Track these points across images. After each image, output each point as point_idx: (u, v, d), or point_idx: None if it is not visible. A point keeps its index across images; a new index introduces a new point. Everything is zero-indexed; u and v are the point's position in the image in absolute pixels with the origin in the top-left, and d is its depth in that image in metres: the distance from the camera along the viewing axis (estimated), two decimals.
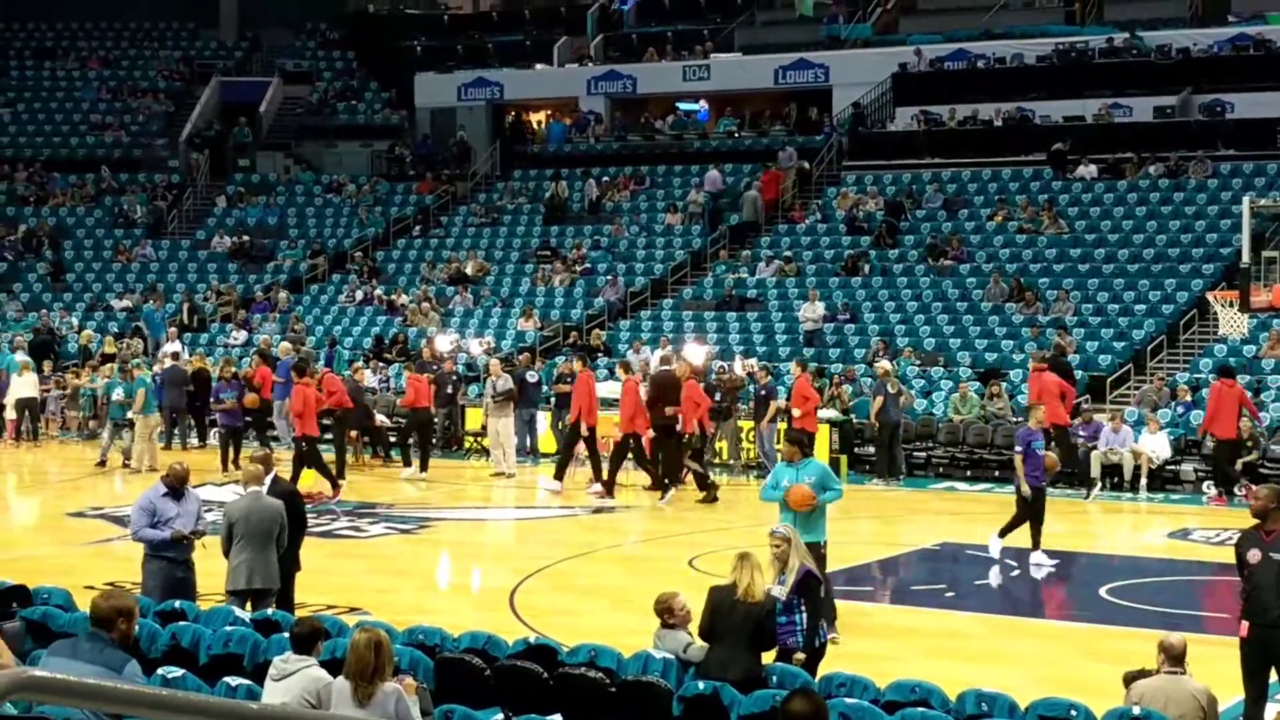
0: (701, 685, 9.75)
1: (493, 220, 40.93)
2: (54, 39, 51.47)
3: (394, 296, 37.09)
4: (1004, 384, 27.98)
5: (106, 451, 27.69)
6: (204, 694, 8.44)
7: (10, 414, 30.86)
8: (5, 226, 42.82)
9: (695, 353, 28.28)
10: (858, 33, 42.29)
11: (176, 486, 13.15)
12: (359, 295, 37.97)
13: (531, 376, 28.26)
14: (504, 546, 21.71)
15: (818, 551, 13.31)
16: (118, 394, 28.29)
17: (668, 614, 10.59)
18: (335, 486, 23.42)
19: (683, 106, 43.72)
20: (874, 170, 38.16)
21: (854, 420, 27.31)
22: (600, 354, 32.20)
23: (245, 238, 41.74)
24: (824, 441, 26.23)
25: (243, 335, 35.81)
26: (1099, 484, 24.85)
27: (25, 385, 30.68)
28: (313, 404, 23.54)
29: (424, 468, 26.10)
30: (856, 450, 27.11)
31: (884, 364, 27.32)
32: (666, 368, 26.05)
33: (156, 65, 50.13)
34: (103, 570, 16.38)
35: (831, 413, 26.93)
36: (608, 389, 28.72)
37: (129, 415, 27.31)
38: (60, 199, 44.30)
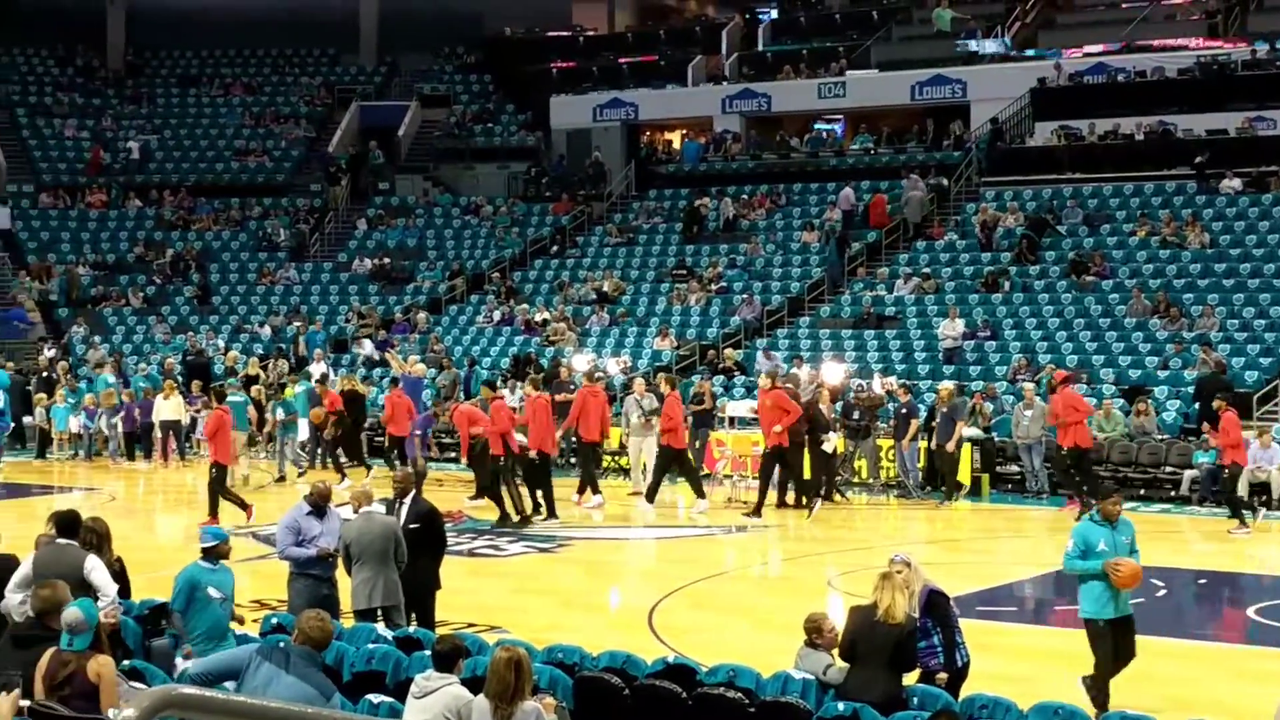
0: (841, 706, 9.67)
1: (628, 240, 41.06)
2: (198, 67, 52.47)
3: (533, 315, 37.30)
4: (1150, 400, 27.52)
5: (282, 468, 28.38)
6: (347, 712, 8.52)
7: (158, 435, 31.46)
8: (153, 251, 43.67)
9: (833, 371, 28.14)
10: (995, 48, 41.89)
11: (320, 505, 13.32)
12: (497, 315, 38.25)
13: None
14: (642, 566, 21.71)
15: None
16: (280, 413, 29.04)
17: (816, 634, 10.53)
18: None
19: (820, 127, 43.61)
20: (1013, 186, 37.77)
21: (995, 438, 27.01)
22: (736, 373, 32.19)
23: (385, 260, 42.24)
24: (965, 460, 26.00)
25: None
26: (1255, 509, 24.07)
27: (170, 408, 31.22)
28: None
29: (595, 489, 25.94)
30: (999, 469, 26.81)
31: (1027, 385, 27.04)
32: (789, 387, 25.97)
33: (298, 91, 50.95)
34: (249, 588, 16.58)
35: (973, 431, 26.65)
36: (747, 407, 28.69)
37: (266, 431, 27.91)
38: (206, 223, 45.12)
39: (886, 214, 38.32)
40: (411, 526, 13.62)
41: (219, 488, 23.01)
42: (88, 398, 32.41)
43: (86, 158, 47.73)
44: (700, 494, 24.58)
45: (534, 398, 24.49)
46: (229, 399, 28.66)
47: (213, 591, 11.54)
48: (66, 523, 11.70)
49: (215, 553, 11.95)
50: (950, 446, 24.93)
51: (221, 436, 23.24)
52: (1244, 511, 22.73)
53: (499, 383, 30.54)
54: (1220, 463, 23.48)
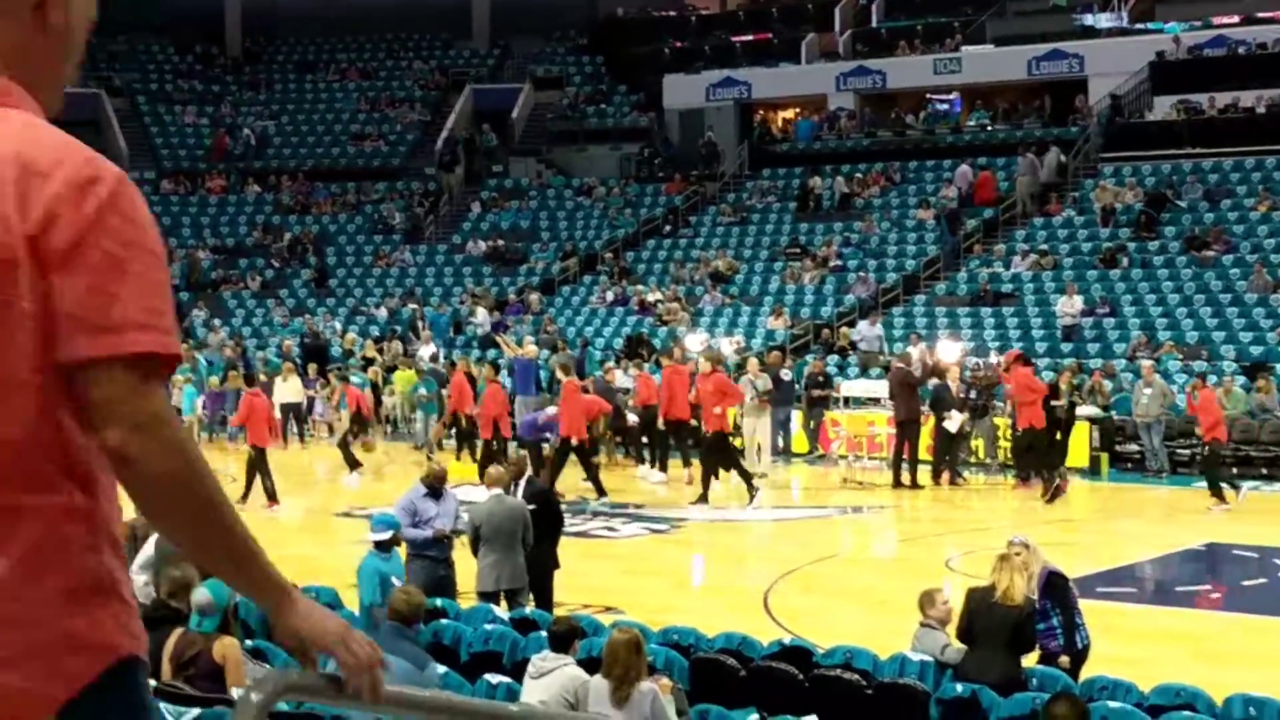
0: (960, 688, 9.63)
1: (741, 219, 40.98)
2: (314, 53, 52.97)
3: (646, 296, 37.35)
4: (1271, 377, 27.07)
5: (428, 444, 28.85)
6: (464, 694, 8.59)
7: (276, 416, 31.78)
8: (271, 235, 44.20)
9: (949, 349, 27.94)
10: (1112, 21, 41.35)
11: (436, 486, 13.43)
12: (610, 296, 38.33)
13: (785, 375, 28.17)
14: (757, 547, 21.69)
15: None
16: (422, 392, 29.81)
17: (929, 605, 10.50)
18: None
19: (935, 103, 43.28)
20: (1132, 161, 37.28)
21: (1114, 417, 26.69)
22: (850, 351, 32.10)
23: (499, 241, 42.47)
24: (1084, 439, 25.74)
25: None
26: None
27: (289, 390, 31.58)
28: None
29: (663, 467, 26.05)
30: (1118, 448, 26.50)
31: (1146, 362, 26.73)
32: (901, 365, 25.85)
33: (412, 76, 51.28)
34: None
35: (1092, 409, 26.36)
36: (862, 387, 28.63)
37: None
38: (323, 207, 45.59)
39: (995, 191, 37.97)
40: (528, 508, 13.70)
41: (259, 468, 22.82)
42: (212, 380, 32.80)
43: (206, 144, 48.39)
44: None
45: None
46: (351, 380, 29.07)
47: (395, 580, 11.69)
48: None
49: (391, 543, 12.11)
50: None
51: (255, 420, 23.25)
52: None
53: (613, 363, 30.59)
54: None
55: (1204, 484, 23.26)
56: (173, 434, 2.44)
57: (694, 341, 32.40)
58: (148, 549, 11.33)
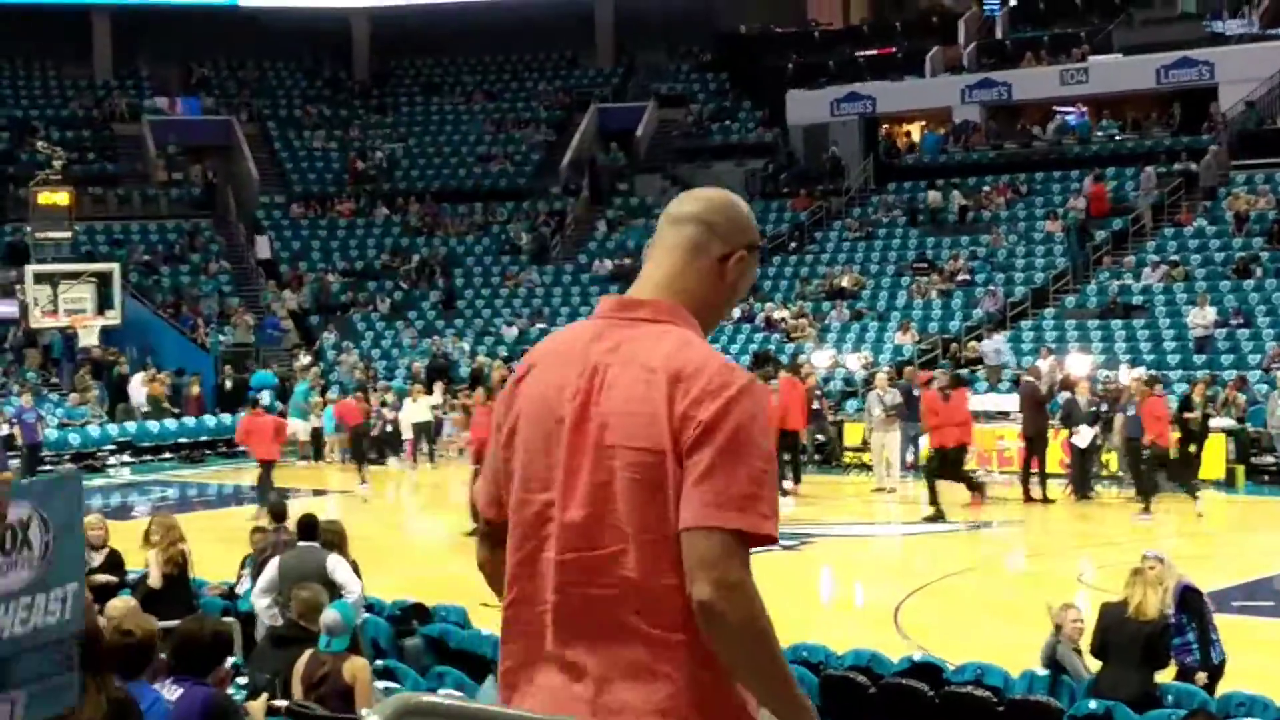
0: (1093, 704, 9.52)
1: (867, 234, 40.81)
2: (440, 76, 53.51)
3: (773, 312, 37.30)
4: None
5: None
6: None
7: (407, 435, 32.13)
8: (399, 257, 44.65)
9: (1079, 363, 27.65)
10: (1242, 27, 40.73)
11: None
12: (736, 313, 38.29)
13: (916, 391, 28.00)
14: (887, 562, 21.58)
15: None
16: None
17: (1061, 623, 10.45)
18: None
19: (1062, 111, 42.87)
20: (1265, 169, 36.67)
21: (1250, 429, 26.26)
22: (979, 366, 31.87)
23: (625, 260, 42.60)
24: (1219, 452, 25.36)
25: None
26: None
27: (419, 409, 31.90)
28: None
29: (796, 480, 25.96)
30: (1254, 460, 26.06)
31: None
32: (1030, 380, 25.64)
33: (537, 96, 51.64)
34: (479, 592, 16.86)
35: (1227, 421, 25.95)
36: (991, 402, 28.42)
37: None
38: (450, 229, 45.98)
39: (1107, 203, 37.56)
40: None
41: (263, 483, 23.77)
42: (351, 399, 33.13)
43: (335, 168, 49.01)
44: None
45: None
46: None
47: None
48: (306, 525, 12.07)
49: None
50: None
51: (257, 437, 24.50)
52: None
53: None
54: None
55: None
56: (752, 593, 3.08)
57: (821, 358, 32.39)
58: (270, 573, 11.50)
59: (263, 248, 43.83)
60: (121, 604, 8.63)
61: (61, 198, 37.19)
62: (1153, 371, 28.13)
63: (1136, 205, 37.36)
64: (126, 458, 32.59)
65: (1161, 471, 23.64)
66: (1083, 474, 24.77)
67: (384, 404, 33.02)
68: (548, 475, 3.10)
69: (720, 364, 3.05)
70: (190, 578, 12.84)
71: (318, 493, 27.78)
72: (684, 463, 2.98)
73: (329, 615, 8.99)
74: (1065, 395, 25.32)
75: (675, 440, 2.99)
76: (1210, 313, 31.32)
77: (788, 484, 25.27)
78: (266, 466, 24.26)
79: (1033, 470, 24.45)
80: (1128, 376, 27.74)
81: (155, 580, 12.53)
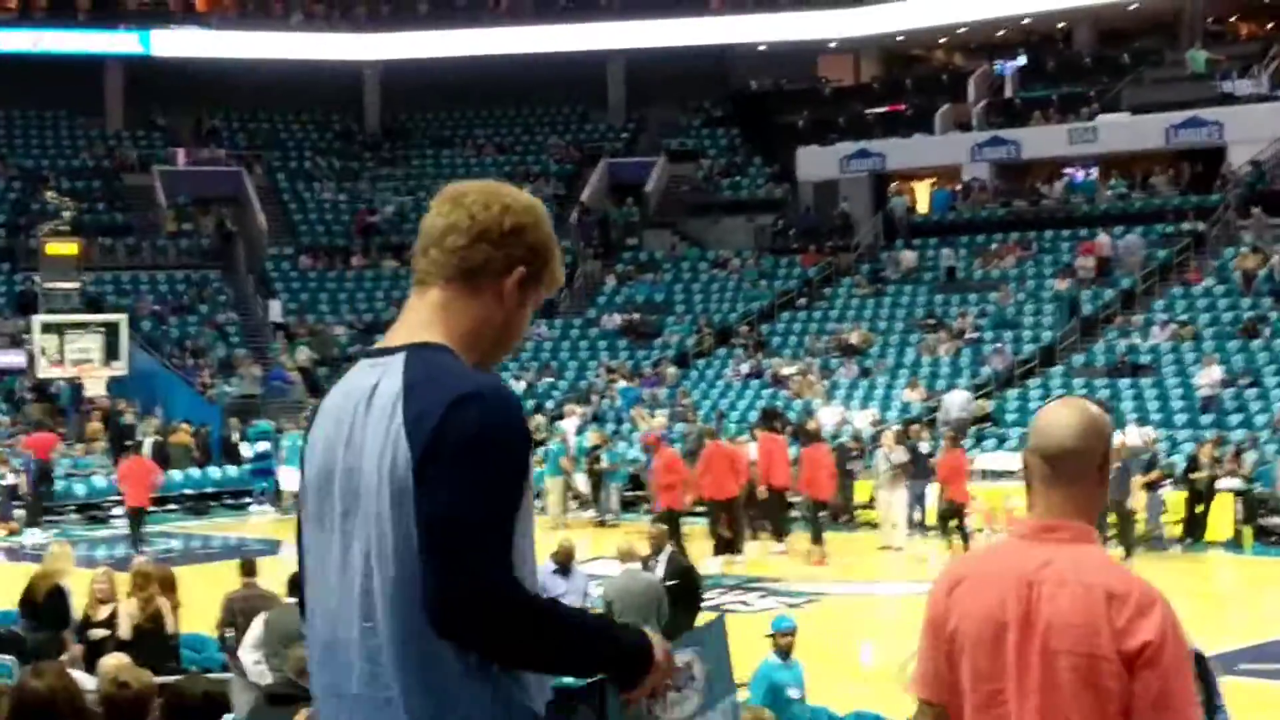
0: None
1: (876, 291, 40.81)
2: (451, 128, 53.68)
3: (782, 368, 37.24)
4: None
5: (606, 513, 29.63)
6: None
7: None
8: None
9: None
10: (1252, 88, 40.76)
11: (564, 563, 13.43)
12: (745, 369, 38.27)
13: (923, 448, 27.90)
14: (895, 621, 21.43)
15: None
16: (604, 461, 30.50)
17: None
18: None
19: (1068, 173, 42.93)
20: (1274, 229, 36.64)
21: (1257, 489, 26.14)
22: (987, 424, 31.81)
23: (634, 315, 42.61)
24: (1227, 512, 25.26)
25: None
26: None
27: None
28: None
29: (779, 537, 25.76)
30: (1261, 521, 25.93)
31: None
32: None
33: (548, 150, 51.77)
34: None
35: (1235, 482, 25.85)
36: (997, 460, 28.36)
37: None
38: None
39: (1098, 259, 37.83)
40: (669, 583, 13.62)
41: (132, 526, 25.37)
42: None
43: (345, 220, 49.09)
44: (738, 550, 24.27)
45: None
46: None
47: (793, 692, 11.35)
48: (296, 582, 11.94)
49: (786, 647, 11.66)
50: (1131, 503, 24.08)
51: (133, 481, 26.11)
52: None
53: (747, 436, 30.47)
54: None
55: None
56: None
57: (829, 415, 32.32)
58: (256, 628, 11.37)
59: (275, 311, 43.78)
60: (114, 659, 8.55)
61: (70, 248, 37.32)
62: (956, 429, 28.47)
63: (1132, 266, 37.33)
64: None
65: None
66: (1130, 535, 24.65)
67: None
68: (996, 672, 3.55)
69: (1141, 583, 3.58)
70: (168, 632, 12.64)
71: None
72: (1134, 674, 3.46)
73: None
74: None
75: (1118, 648, 3.46)
76: (1217, 372, 31.25)
77: (777, 545, 25.18)
78: (138, 512, 25.60)
79: None
80: (1135, 436, 27.68)
81: (125, 632, 12.30)
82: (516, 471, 2.86)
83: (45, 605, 13.14)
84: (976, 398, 33.42)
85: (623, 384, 37.85)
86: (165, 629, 12.63)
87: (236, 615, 12.26)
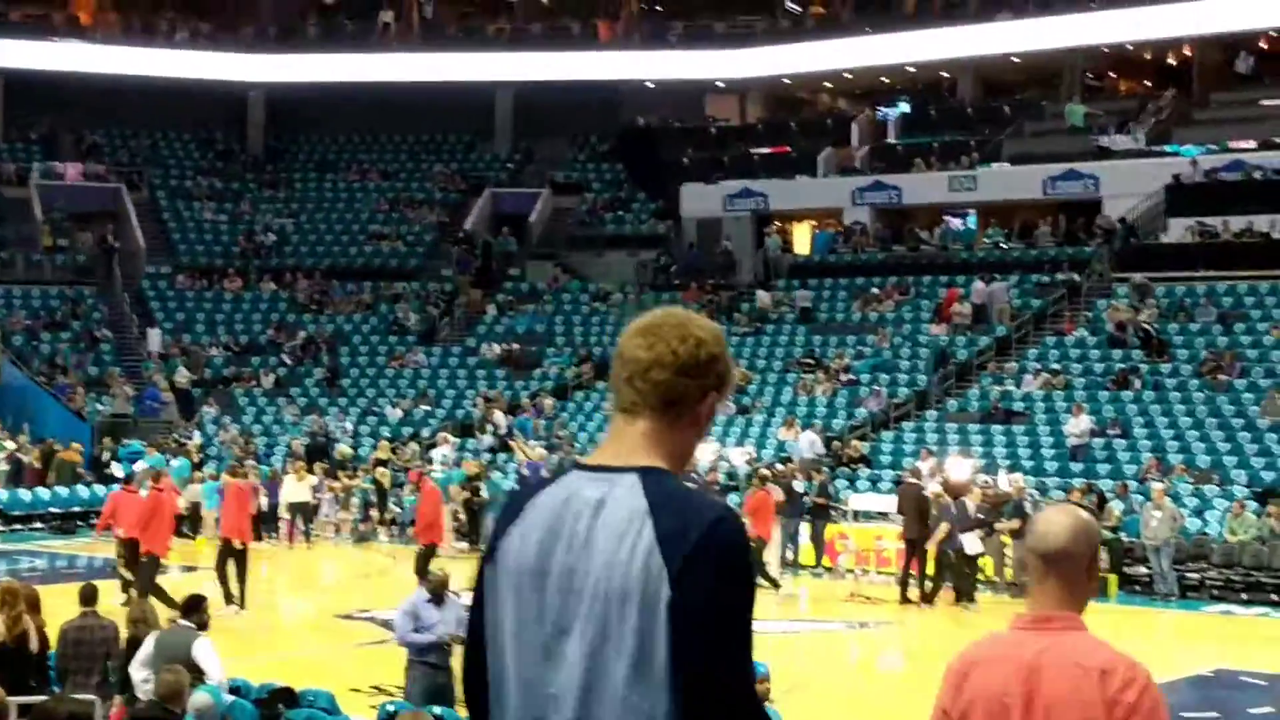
0: None
1: (755, 329, 41.05)
2: (335, 152, 53.41)
3: None
4: None
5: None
6: None
7: (284, 515, 31.77)
8: (285, 333, 44.31)
9: (959, 466, 27.88)
10: (1128, 143, 41.55)
11: (438, 593, 13.37)
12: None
13: (798, 486, 28.09)
14: (763, 659, 21.52)
15: None
16: (485, 493, 30.37)
17: None
18: None
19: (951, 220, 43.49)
20: (1144, 283, 37.30)
21: (1123, 539, 26.56)
22: (861, 465, 32.07)
23: (514, 345, 42.55)
24: None
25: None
26: None
27: (299, 489, 31.57)
28: None
29: None
30: (1126, 570, 26.34)
31: (1157, 485, 26.63)
32: (913, 481, 25.92)
33: (432, 177, 51.65)
34: (368, 673, 16.68)
35: (1101, 531, 26.23)
36: (869, 501, 28.58)
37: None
38: (339, 307, 45.71)
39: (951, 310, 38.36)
40: None
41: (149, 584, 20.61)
42: (224, 477, 32.68)
43: (225, 241, 48.65)
44: None
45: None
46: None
47: None
48: (189, 604, 11.91)
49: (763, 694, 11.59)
50: (930, 547, 24.51)
51: (156, 525, 21.48)
52: None
53: None
54: None
55: (1216, 608, 23.04)
56: None
57: (704, 451, 32.42)
58: (147, 647, 11.33)
59: (154, 341, 43.17)
60: None
61: None
62: (766, 467, 28.72)
63: (1001, 314, 37.88)
64: None
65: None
66: (969, 580, 24.91)
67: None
68: None
69: (1128, 658, 4.04)
70: (33, 651, 12.40)
71: (187, 569, 27.35)
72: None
73: (199, 698, 8.83)
74: (949, 500, 25.45)
75: (1110, 714, 3.96)
76: (1086, 421, 31.74)
77: None
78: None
79: (912, 573, 24.56)
80: (1006, 482, 28.03)
81: None
82: (754, 586, 3.30)
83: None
84: (853, 438, 33.68)
85: (521, 415, 37.64)
86: (30, 648, 12.42)
87: (69, 645, 12.08)
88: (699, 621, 3.12)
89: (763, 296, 41.84)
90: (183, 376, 41.25)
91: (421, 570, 21.29)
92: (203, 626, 11.69)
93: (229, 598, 21.49)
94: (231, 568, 21.95)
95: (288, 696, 12.13)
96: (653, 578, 3.12)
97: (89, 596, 12.91)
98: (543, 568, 3.23)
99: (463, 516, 30.52)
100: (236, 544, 22.04)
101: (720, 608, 3.14)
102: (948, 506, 24.61)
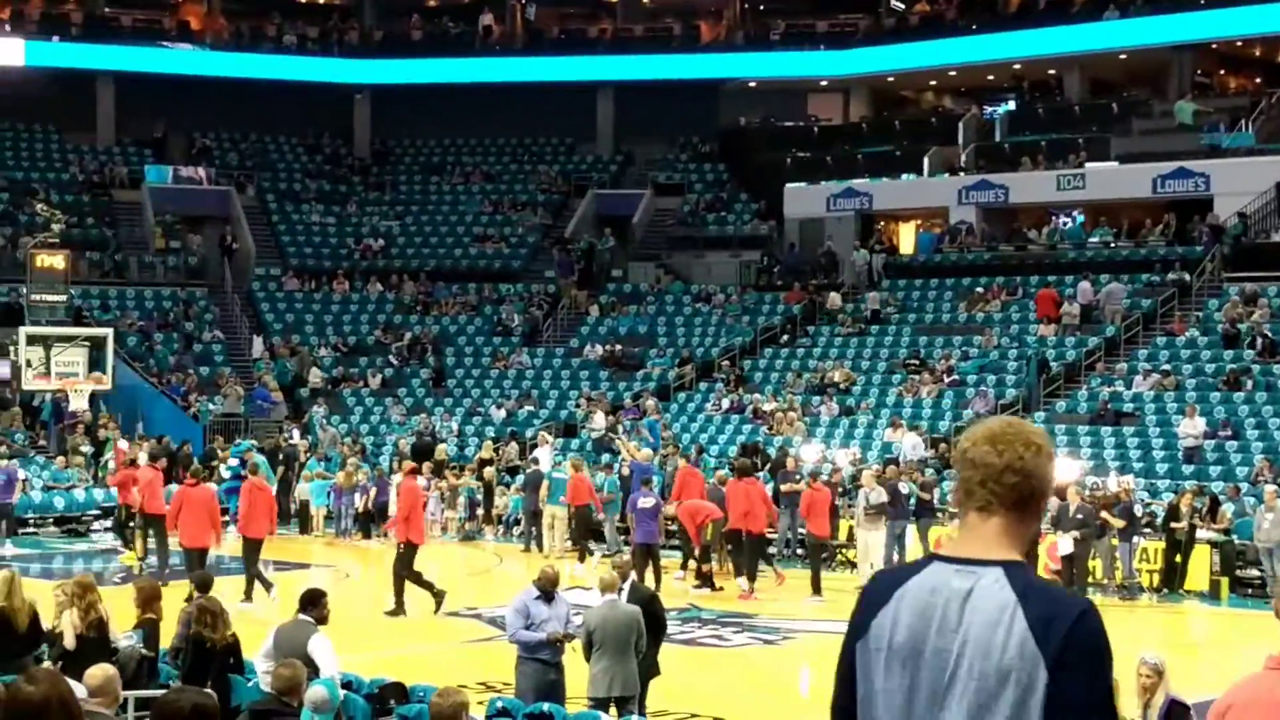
0: None
1: (860, 330, 40.89)
2: (440, 155, 53.77)
3: (763, 404, 37.29)
4: None
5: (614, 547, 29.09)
6: None
7: (393, 514, 31.97)
8: (392, 334, 44.68)
9: (1066, 468, 27.61)
10: (1240, 141, 40.96)
11: (548, 590, 13.43)
12: (725, 404, 38.32)
13: (903, 489, 27.92)
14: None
15: None
16: (605, 492, 30.42)
17: None
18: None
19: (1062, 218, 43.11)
20: (1258, 282, 36.81)
21: (1235, 541, 26.21)
22: None
23: (616, 346, 42.66)
24: (1204, 563, 25.32)
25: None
26: None
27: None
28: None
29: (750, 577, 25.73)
30: (1238, 573, 26.00)
31: (1269, 487, 26.26)
32: None
33: (535, 180, 51.88)
34: (476, 670, 16.78)
35: (1212, 533, 25.93)
36: None
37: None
38: (443, 308, 46.03)
39: (1055, 308, 37.86)
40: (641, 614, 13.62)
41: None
42: (339, 476, 33.00)
43: (332, 243, 49.14)
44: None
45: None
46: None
47: None
48: (307, 598, 12.11)
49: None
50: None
51: (254, 513, 23.14)
52: None
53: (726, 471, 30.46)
54: None
55: None
56: None
57: (809, 452, 32.38)
58: (268, 641, 11.56)
59: (257, 347, 43.65)
60: (100, 670, 8.56)
61: (58, 261, 37.29)
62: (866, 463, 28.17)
63: (1112, 314, 37.48)
64: (110, 523, 32.39)
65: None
66: (1069, 579, 24.67)
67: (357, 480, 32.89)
68: None
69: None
70: (110, 639, 12.79)
71: (300, 566, 27.65)
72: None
73: (316, 692, 8.93)
74: (1054, 501, 25.25)
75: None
76: (1200, 423, 31.35)
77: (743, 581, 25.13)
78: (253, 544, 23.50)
79: None
80: (1115, 484, 27.76)
81: (70, 642, 12.50)
82: (1111, 671, 3.69)
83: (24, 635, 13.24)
84: (956, 439, 33.40)
85: (649, 417, 37.55)
86: (107, 636, 12.76)
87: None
88: (1074, 711, 3.57)
89: (874, 297, 41.67)
90: (316, 377, 41.81)
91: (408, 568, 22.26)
92: (322, 621, 11.85)
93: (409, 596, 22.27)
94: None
95: (398, 692, 12.24)
96: (1028, 661, 3.57)
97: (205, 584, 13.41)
98: (916, 648, 3.68)
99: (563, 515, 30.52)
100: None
101: (1092, 698, 3.58)
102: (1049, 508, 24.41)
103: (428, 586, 22.35)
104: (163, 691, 7.27)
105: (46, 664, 11.59)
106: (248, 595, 22.15)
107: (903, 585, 3.76)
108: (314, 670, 10.44)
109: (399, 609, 21.96)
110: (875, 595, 3.83)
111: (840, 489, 29.37)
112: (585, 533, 29.09)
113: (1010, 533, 3.73)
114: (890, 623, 3.74)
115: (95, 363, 34.65)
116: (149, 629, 13.09)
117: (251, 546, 22.77)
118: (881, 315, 41.25)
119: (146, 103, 49.76)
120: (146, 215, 47.56)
